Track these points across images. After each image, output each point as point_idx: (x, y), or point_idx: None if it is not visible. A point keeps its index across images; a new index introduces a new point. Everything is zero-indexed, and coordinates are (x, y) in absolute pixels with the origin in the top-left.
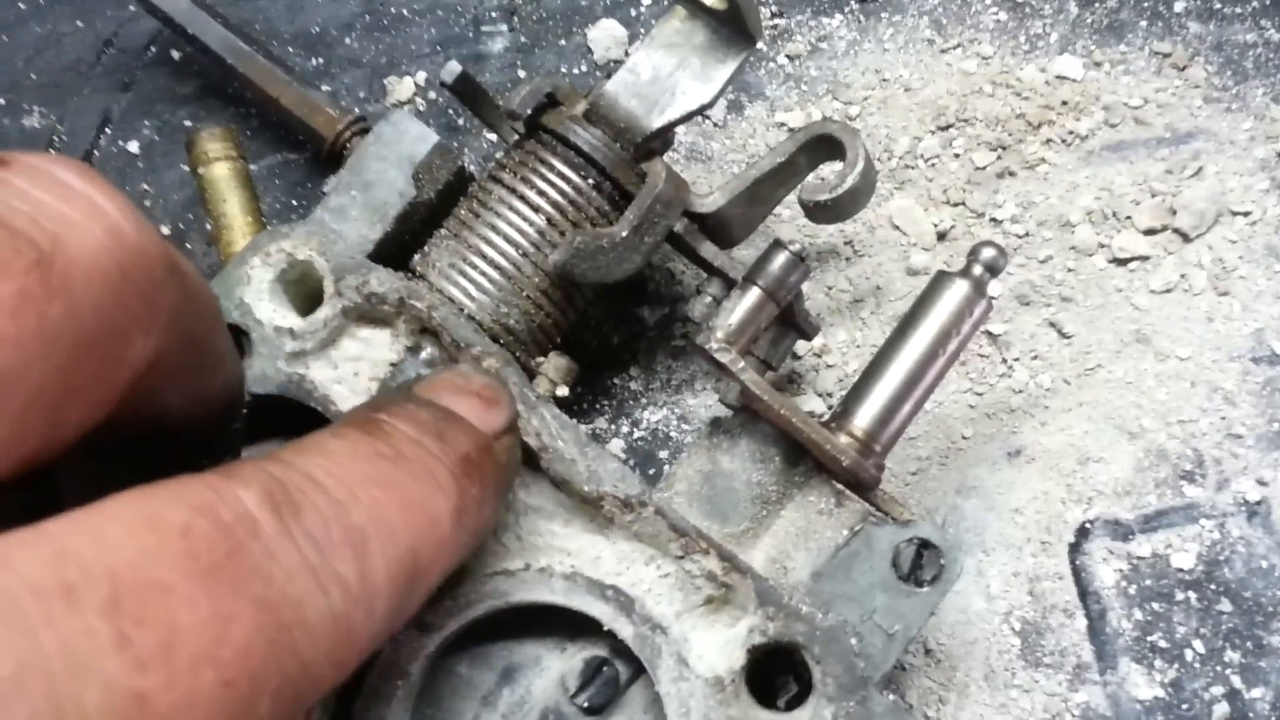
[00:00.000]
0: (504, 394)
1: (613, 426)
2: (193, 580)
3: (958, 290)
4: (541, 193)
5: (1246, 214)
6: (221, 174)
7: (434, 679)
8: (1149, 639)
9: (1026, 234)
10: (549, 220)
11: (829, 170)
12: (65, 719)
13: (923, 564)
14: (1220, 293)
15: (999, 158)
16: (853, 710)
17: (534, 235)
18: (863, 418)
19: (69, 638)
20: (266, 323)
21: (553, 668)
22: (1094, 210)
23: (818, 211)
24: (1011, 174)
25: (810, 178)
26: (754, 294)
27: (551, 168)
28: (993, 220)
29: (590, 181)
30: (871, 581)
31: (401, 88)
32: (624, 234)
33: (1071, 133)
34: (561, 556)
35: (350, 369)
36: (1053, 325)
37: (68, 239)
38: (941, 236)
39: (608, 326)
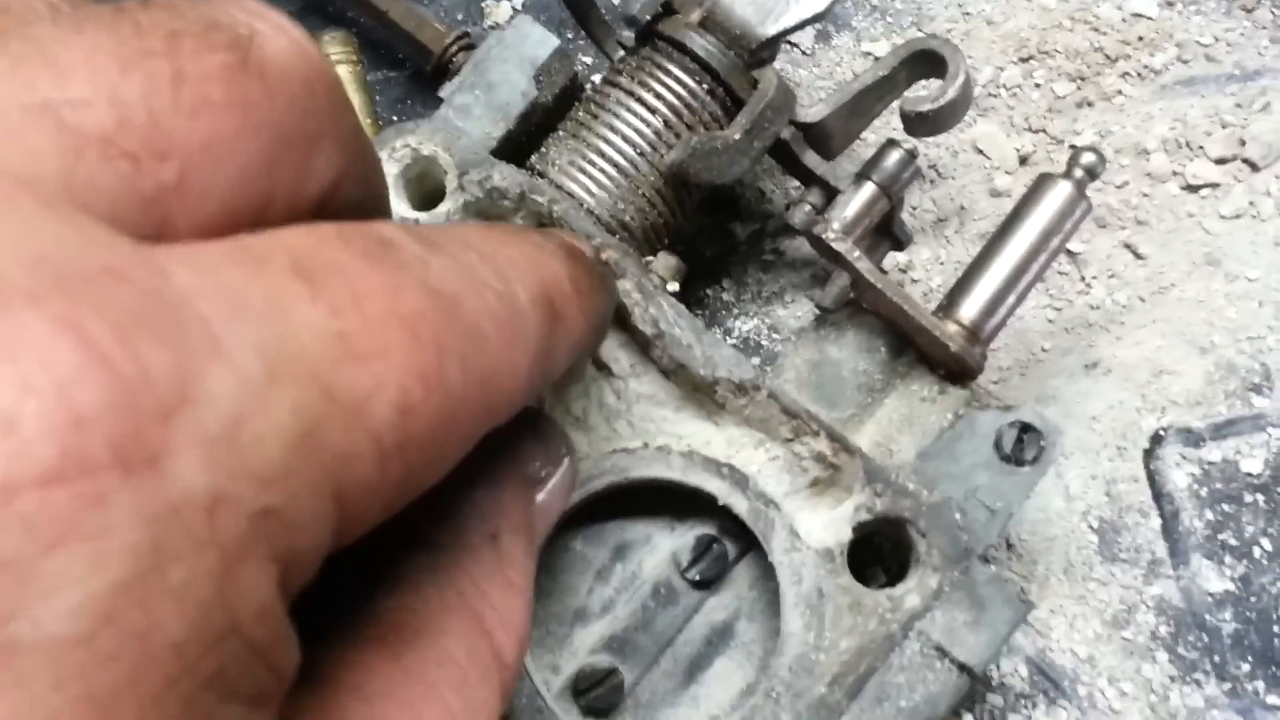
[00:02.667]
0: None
1: None
2: (358, 259)
3: (1061, 191)
4: (658, 96)
5: None
6: (343, 76)
7: (550, 554)
8: (1219, 537)
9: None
10: (665, 122)
11: (924, 88)
12: (287, 355)
13: (1024, 445)
14: None
15: (1078, 88)
16: (956, 579)
17: (650, 136)
18: (969, 308)
19: (272, 288)
20: (392, 217)
21: (663, 545)
22: (1168, 139)
23: (918, 123)
24: (1090, 104)
25: (910, 92)
26: (868, 189)
27: (668, 73)
28: (1072, 147)
29: (705, 87)
30: (974, 462)
31: (499, 10)
32: (736, 137)
33: (1146, 67)
34: (674, 440)
35: None
36: (1128, 246)
37: (262, 37)
38: (1023, 161)
39: (700, 241)
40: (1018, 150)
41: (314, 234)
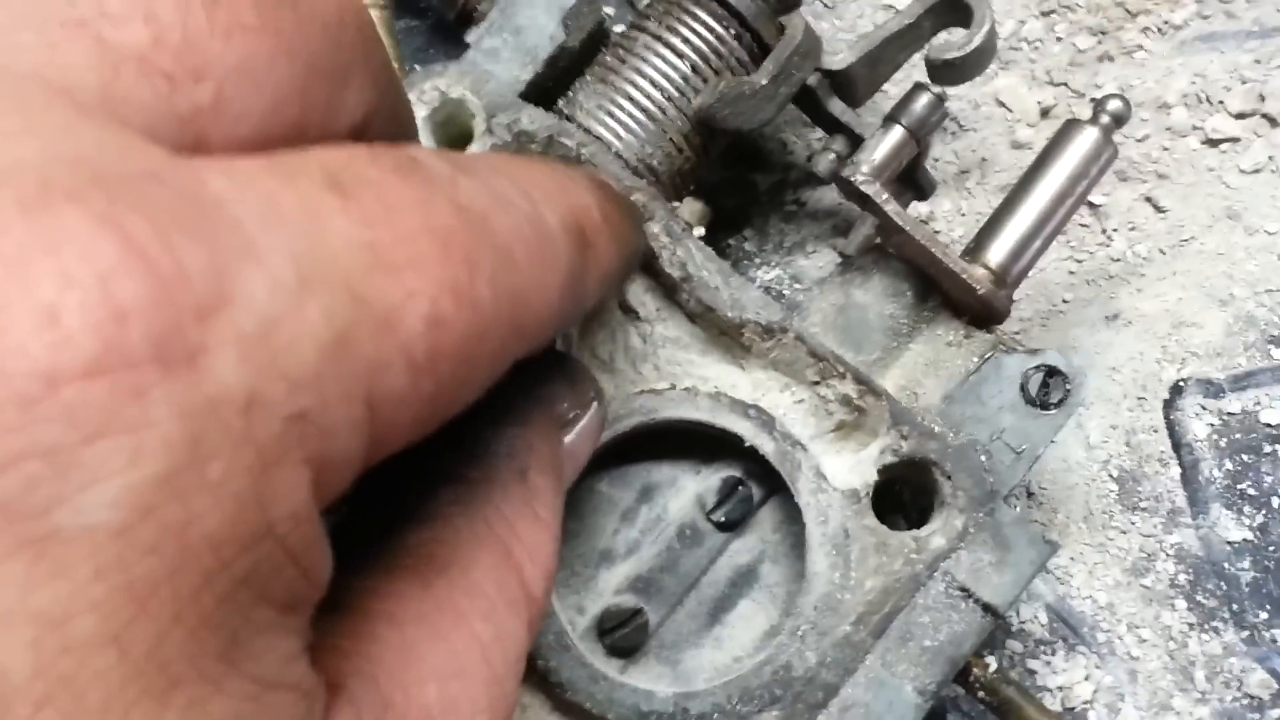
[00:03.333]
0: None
1: None
2: (389, 174)
3: (1088, 137)
4: (686, 40)
5: None
6: (374, 18)
7: (577, 496)
8: (1238, 487)
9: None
10: (692, 67)
11: (949, 35)
12: (320, 262)
13: (1050, 389)
14: None
15: (1099, 42)
16: (981, 521)
17: (679, 81)
18: (996, 252)
19: (305, 198)
20: None
21: (688, 488)
22: (1188, 94)
23: (944, 70)
24: (1110, 59)
25: (935, 40)
26: (897, 132)
27: (696, 18)
28: (1093, 100)
29: (732, 32)
30: (1000, 404)
31: None
32: (764, 82)
33: (1167, 22)
34: (700, 383)
35: None
36: (1149, 200)
37: None
38: (1045, 113)
39: (722, 191)
40: (1039, 103)
41: (346, 151)
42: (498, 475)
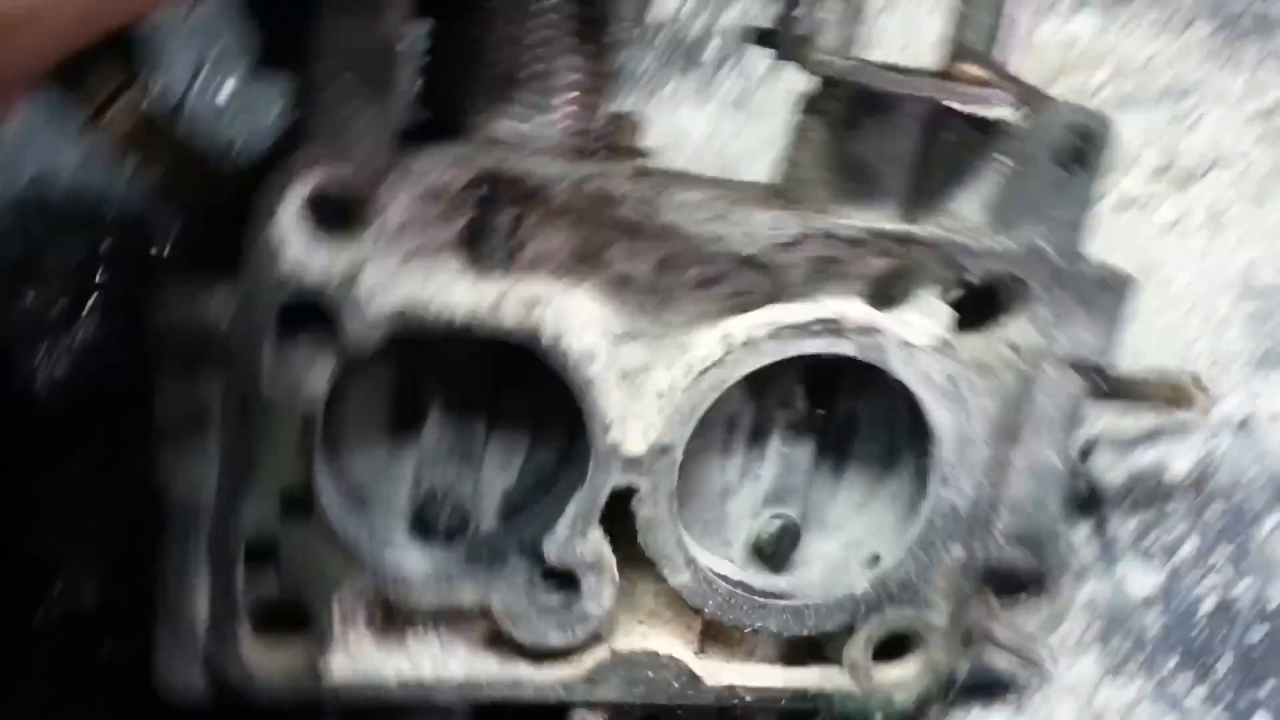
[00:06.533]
0: None
1: None
2: None
3: None
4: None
5: (1240, 160)
6: None
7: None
8: (1146, 541)
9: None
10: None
11: None
12: None
13: (1083, 144)
14: (1215, 231)
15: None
16: (1062, 293)
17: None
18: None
19: None
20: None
21: (766, 406)
22: None
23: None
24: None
25: None
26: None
27: None
28: None
29: None
30: (1040, 186)
31: None
32: None
33: (1084, 86)
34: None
35: None
36: None
37: None
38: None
39: None
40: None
41: None
42: None
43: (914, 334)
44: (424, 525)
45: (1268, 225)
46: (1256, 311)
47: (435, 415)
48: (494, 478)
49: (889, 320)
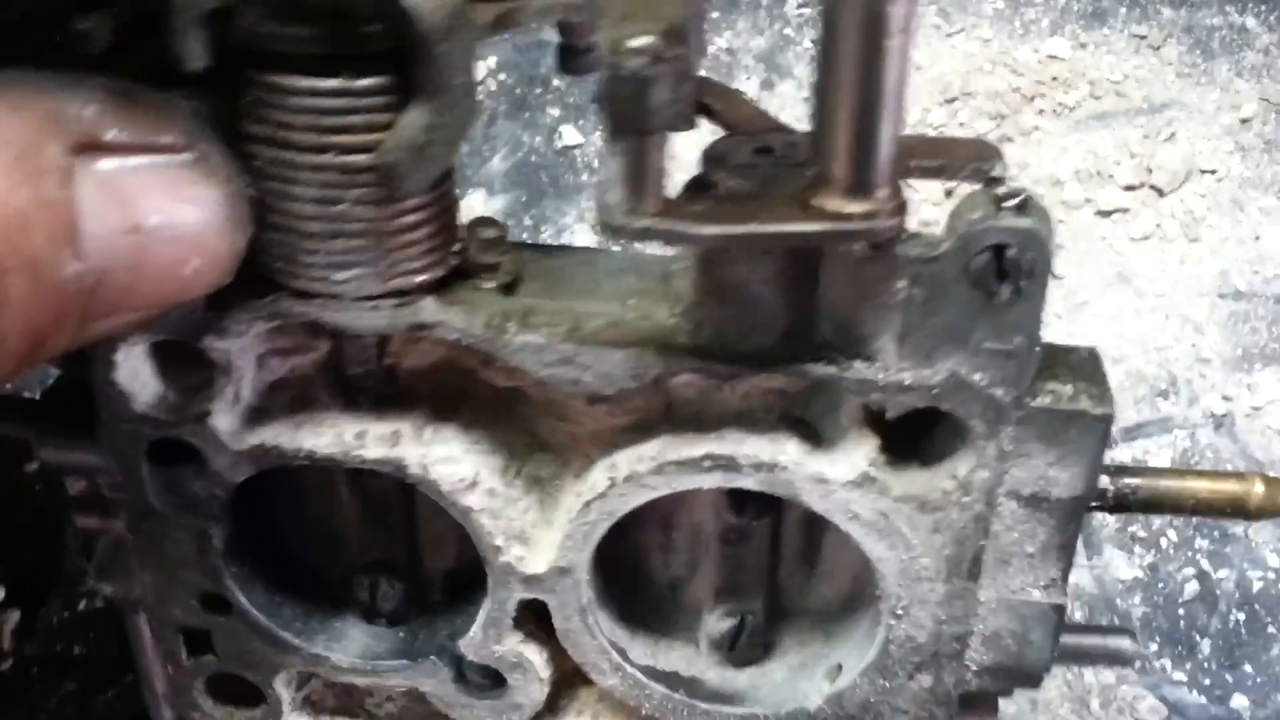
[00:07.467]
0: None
1: None
2: None
3: None
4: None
5: (1214, 172)
6: None
7: (610, 564)
8: (1129, 530)
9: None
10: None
11: None
12: None
13: (1007, 269)
14: (1191, 239)
15: (998, 126)
16: (1015, 431)
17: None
18: (839, 166)
19: None
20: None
21: (700, 498)
22: (1081, 170)
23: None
24: (1009, 140)
25: None
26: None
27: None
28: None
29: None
30: (960, 313)
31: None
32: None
33: (1061, 104)
34: None
35: None
36: None
37: None
38: (948, 194)
39: None
40: (943, 185)
41: None
42: None
43: (830, 468)
44: (368, 607)
45: (1242, 233)
46: (1233, 314)
47: (356, 503)
48: (433, 559)
49: (796, 453)
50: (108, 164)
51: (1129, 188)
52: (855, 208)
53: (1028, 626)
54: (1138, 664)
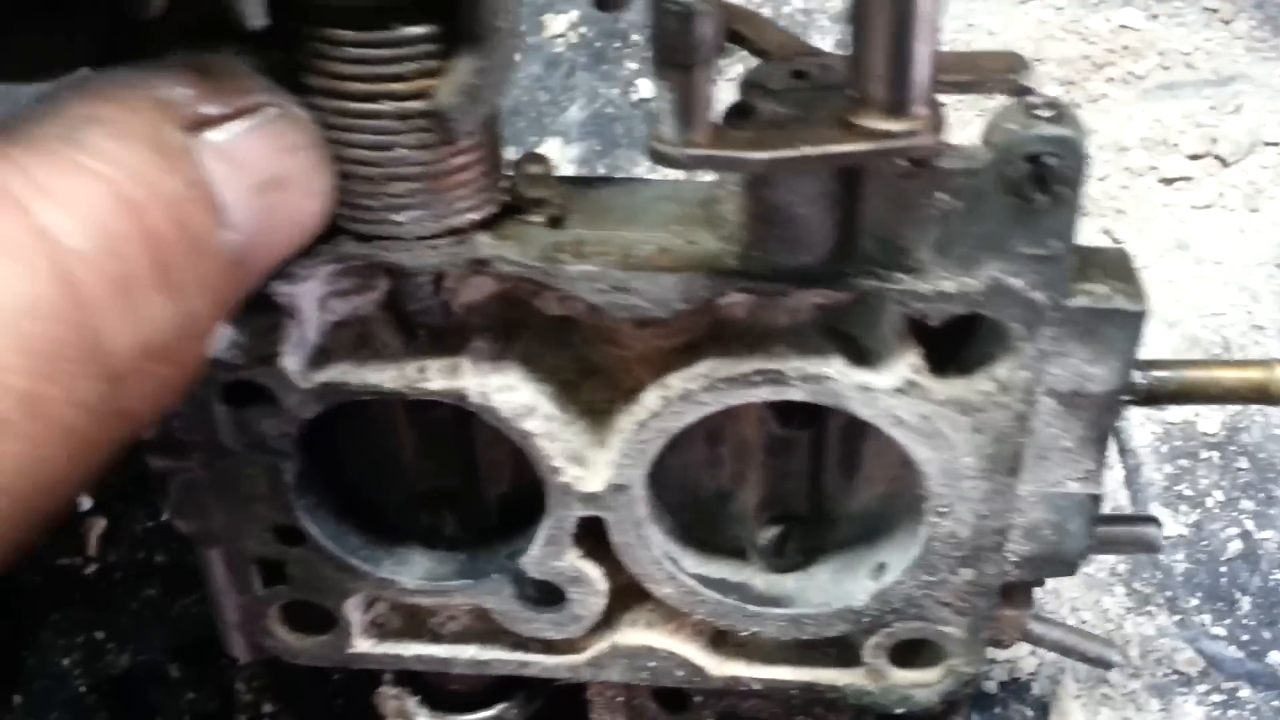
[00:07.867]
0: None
1: None
2: None
3: None
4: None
5: (1277, 145)
6: None
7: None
8: (1176, 489)
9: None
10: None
11: None
12: None
13: (1044, 176)
14: (1251, 209)
15: (1066, 92)
16: (1053, 331)
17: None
18: (878, 87)
19: None
20: None
21: (746, 410)
22: (1146, 138)
23: None
24: (1077, 106)
25: None
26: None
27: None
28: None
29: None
30: (999, 222)
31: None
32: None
33: (1130, 73)
34: None
35: None
36: (1106, 233)
37: None
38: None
39: None
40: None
41: None
42: (31, 136)
43: (875, 377)
44: (429, 532)
45: None
46: None
47: (415, 435)
48: (490, 485)
49: (841, 365)
50: (216, 135)
51: (1193, 157)
52: (897, 126)
53: (1066, 517)
54: (1178, 617)
